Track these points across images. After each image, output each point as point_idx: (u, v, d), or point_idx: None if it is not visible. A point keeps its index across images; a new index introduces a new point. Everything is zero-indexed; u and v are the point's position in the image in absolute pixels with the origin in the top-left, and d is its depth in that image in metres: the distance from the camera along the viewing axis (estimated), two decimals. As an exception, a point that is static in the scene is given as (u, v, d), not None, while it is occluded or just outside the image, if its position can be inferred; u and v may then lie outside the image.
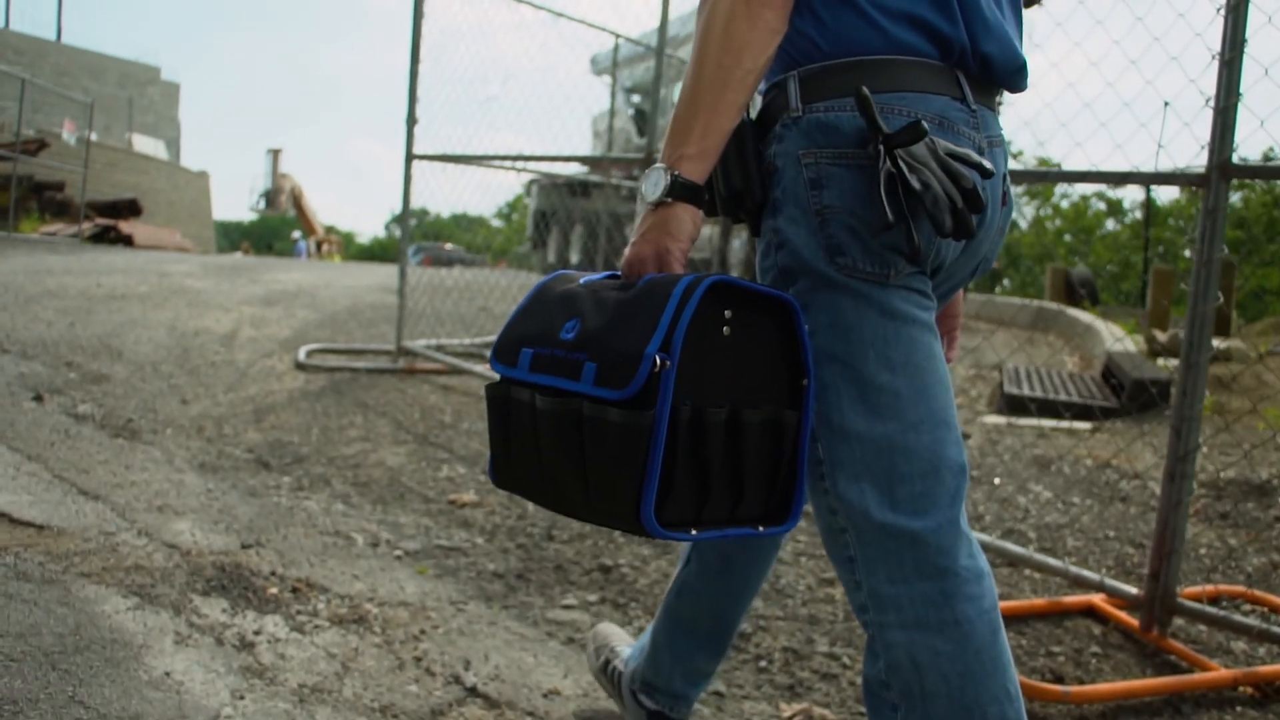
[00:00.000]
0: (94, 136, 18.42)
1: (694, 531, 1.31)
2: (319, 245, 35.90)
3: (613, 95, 16.14)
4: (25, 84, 15.11)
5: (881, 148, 1.32)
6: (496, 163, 6.05)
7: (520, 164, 6.23)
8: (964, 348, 9.49)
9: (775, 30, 1.38)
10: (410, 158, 6.10)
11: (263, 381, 5.57)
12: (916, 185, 1.30)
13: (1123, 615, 3.03)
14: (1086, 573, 3.14)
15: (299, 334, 6.84)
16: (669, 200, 1.36)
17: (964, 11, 1.42)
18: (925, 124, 1.33)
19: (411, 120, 6.08)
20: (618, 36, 9.39)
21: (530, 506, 3.80)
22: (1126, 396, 6.67)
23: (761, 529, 1.38)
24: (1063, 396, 6.82)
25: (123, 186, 23.27)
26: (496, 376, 1.49)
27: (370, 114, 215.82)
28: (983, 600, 1.39)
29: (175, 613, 2.53)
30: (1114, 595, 3.03)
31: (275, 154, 34.90)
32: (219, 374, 5.67)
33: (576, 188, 17.34)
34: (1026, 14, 1.62)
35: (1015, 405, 6.66)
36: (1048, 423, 6.33)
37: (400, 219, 6.39)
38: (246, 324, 7.02)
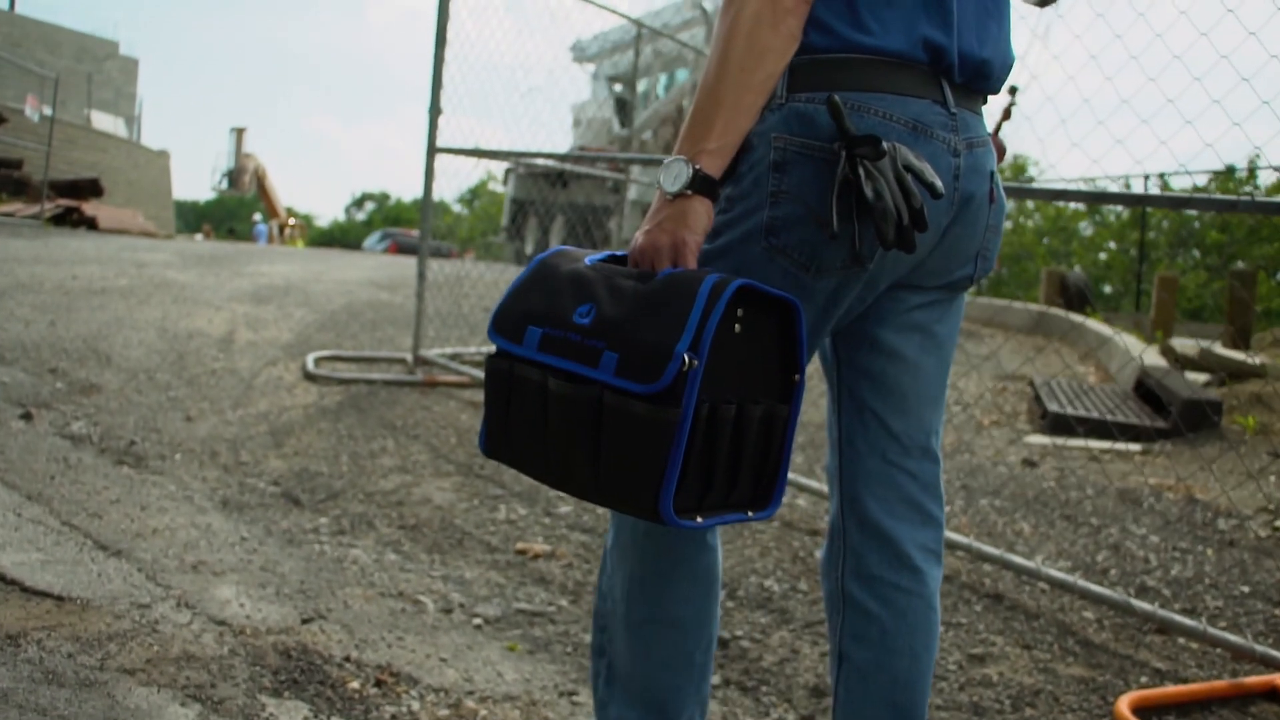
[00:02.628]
0: (49, 112, 17.59)
1: (699, 519, 1.36)
2: (282, 229, 35.02)
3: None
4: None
5: (844, 151, 1.37)
6: (526, 158, 5.53)
7: (544, 159, 5.71)
8: (977, 355, 9.14)
9: (795, 37, 1.42)
10: (433, 150, 5.55)
11: (272, 395, 5.05)
12: (869, 195, 1.34)
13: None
14: (1276, 653, 2.74)
15: (300, 337, 6.30)
16: (688, 192, 1.38)
17: (952, 18, 1.47)
18: (898, 127, 1.43)
19: (435, 110, 5.52)
20: (640, 25, 8.89)
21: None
22: (1176, 417, 6.29)
23: (750, 514, 1.44)
24: (1108, 416, 6.44)
25: (81, 165, 22.38)
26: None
27: (327, 92, 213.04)
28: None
29: (248, 727, 2.04)
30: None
31: (239, 133, 33.99)
32: (222, 385, 5.13)
33: (556, 178, 16.81)
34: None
35: (1059, 425, 6.26)
36: (1095, 444, 5.94)
37: (421, 218, 5.86)
38: (242, 325, 6.47)
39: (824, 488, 3.95)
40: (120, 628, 2.38)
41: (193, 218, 58.41)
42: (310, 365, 5.50)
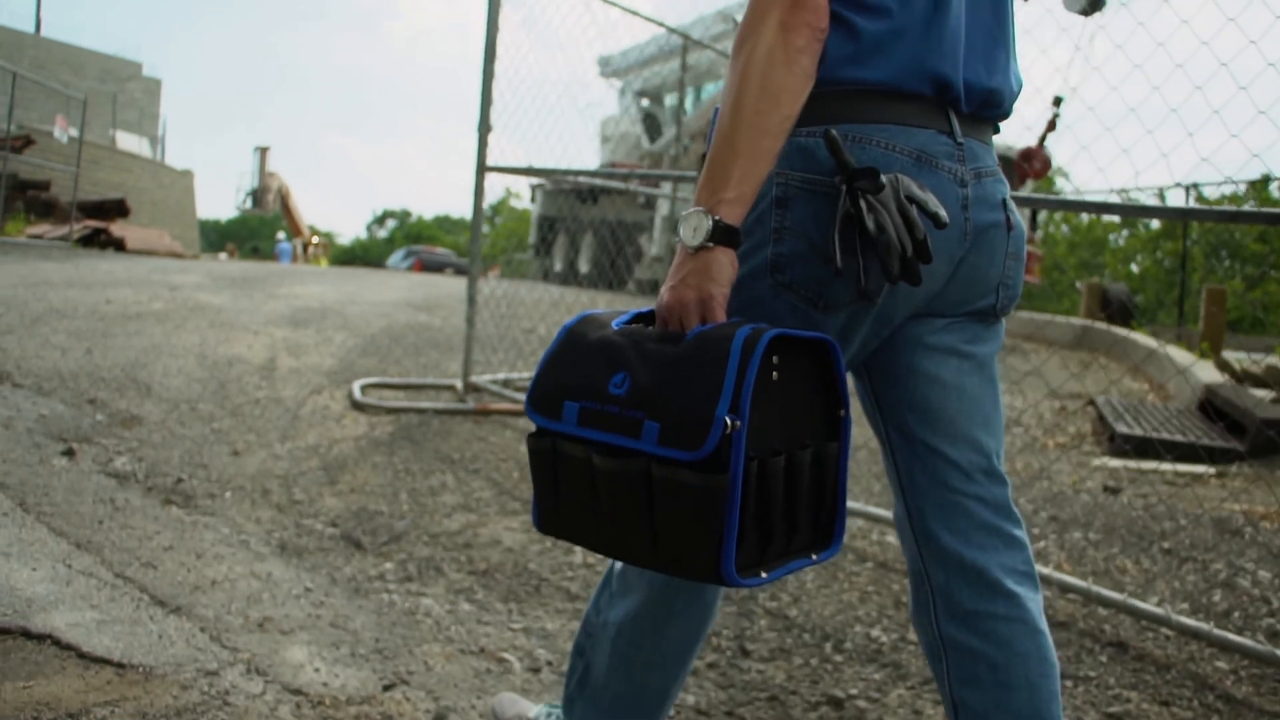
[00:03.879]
0: (74, 134, 17.51)
1: (763, 574, 1.33)
2: (305, 247, 34.92)
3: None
4: (16, 78, 14.22)
5: (844, 186, 1.35)
6: (577, 177, 5.30)
7: (596, 178, 5.48)
8: (1020, 371, 8.87)
9: (810, 77, 1.38)
10: (483, 168, 5.31)
11: (320, 426, 4.82)
12: (872, 228, 1.32)
13: None
14: None
15: (344, 364, 6.08)
16: (710, 245, 1.35)
17: (956, 47, 1.44)
18: (901, 158, 1.41)
19: (485, 127, 5.27)
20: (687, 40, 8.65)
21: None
22: (1251, 438, 6.02)
23: (815, 556, 1.41)
24: (1177, 435, 6.16)
25: (106, 185, 22.34)
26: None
27: (343, 108, 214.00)
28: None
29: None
30: None
31: (263, 152, 33.86)
32: (267, 415, 4.92)
33: (585, 194, 16.62)
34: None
35: (1128, 446, 5.99)
36: (1166, 466, 5.66)
37: (471, 239, 5.62)
38: (282, 350, 6.26)
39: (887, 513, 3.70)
40: (189, 700, 2.15)
41: (215, 237, 58.59)
42: (357, 393, 5.28)
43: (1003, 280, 1.56)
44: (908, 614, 3.14)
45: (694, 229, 1.35)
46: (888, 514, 3.75)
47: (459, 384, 5.66)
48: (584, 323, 1.46)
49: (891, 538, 3.89)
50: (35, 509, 3.29)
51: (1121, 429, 6.26)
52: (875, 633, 2.99)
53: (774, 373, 1.33)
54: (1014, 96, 1.56)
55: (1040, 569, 3.33)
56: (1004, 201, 1.54)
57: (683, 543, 1.29)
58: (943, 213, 1.38)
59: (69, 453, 3.98)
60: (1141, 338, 10.67)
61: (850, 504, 3.88)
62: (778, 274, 1.43)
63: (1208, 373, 7.86)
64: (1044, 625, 1.55)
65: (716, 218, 1.34)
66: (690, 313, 1.36)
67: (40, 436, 4.17)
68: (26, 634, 2.35)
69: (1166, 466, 5.62)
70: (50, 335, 5.99)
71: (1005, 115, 1.57)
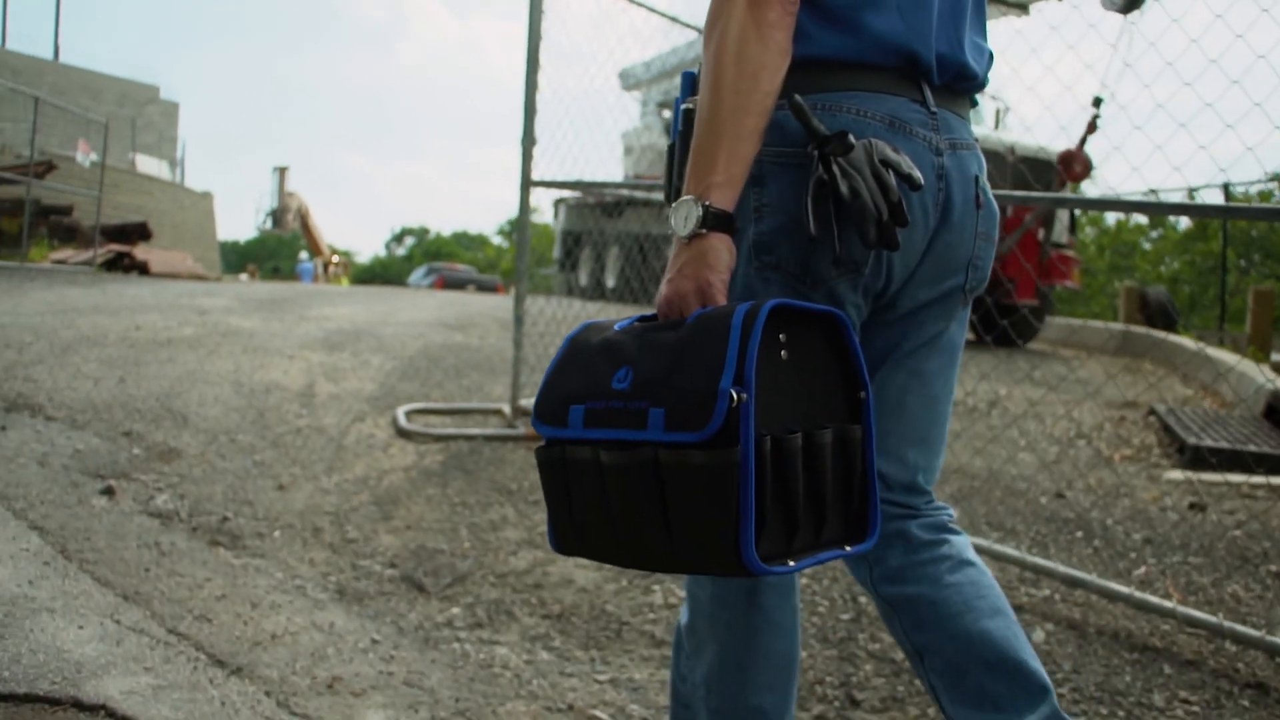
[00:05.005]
0: (95, 158, 17.41)
1: (790, 563, 1.26)
2: (326, 266, 34.80)
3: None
4: (39, 103, 14.09)
5: (816, 153, 1.32)
6: (618, 191, 5.07)
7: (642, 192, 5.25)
8: (1060, 376, 8.61)
9: (785, 51, 1.35)
10: (528, 183, 5.07)
11: (367, 456, 4.60)
12: (845, 193, 1.29)
13: None
14: None
15: (384, 388, 5.85)
16: (703, 232, 1.31)
17: (928, 20, 1.41)
18: (873, 123, 1.37)
19: (529, 139, 5.03)
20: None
21: (804, 654, 2.83)
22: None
23: (848, 549, 1.34)
24: (1250, 446, 5.89)
25: (127, 208, 22.26)
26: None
27: (357, 127, 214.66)
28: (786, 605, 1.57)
29: None
30: None
31: (281, 172, 33.79)
32: (310, 446, 4.70)
33: (611, 207, 16.42)
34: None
35: (1199, 458, 5.71)
36: (1239, 478, 5.39)
37: (516, 257, 5.38)
38: (320, 376, 6.04)
39: (1010, 550, 3.45)
40: (262, 783, 1.92)
41: (234, 258, 58.60)
42: (402, 420, 5.05)
43: (972, 260, 1.52)
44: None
45: (685, 218, 1.31)
46: (995, 546, 3.50)
47: (507, 408, 5.43)
48: (587, 330, 1.42)
49: (999, 573, 3.64)
50: (78, 556, 3.08)
51: (1192, 440, 5.99)
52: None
53: (782, 351, 1.28)
54: (986, 69, 1.54)
55: (1159, 601, 3.08)
56: (976, 179, 1.50)
57: (700, 530, 1.21)
58: (917, 174, 1.35)
59: (108, 491, 3.76)
60: (1187, 342, 10.39)
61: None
62: (763, 254, 1.39)
63: (1261, 376, 7.57)
64: (972, 557, 1.57)
65: (707, 203, 1.31)
66: (690, 303, 1.32)
67: (77, 474, 3.96)
68: (79, 705, 2.13)
69: (1239, 478, 5.35)
70: (81, 364, 5.79)
71: (979, 88, 1.53)
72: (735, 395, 1.18)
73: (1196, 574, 3.73)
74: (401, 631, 2.84)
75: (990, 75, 1.56)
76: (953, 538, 1.58)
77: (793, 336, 1.30)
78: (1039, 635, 3.03)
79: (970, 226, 1.50)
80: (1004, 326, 8.53)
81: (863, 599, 3.24)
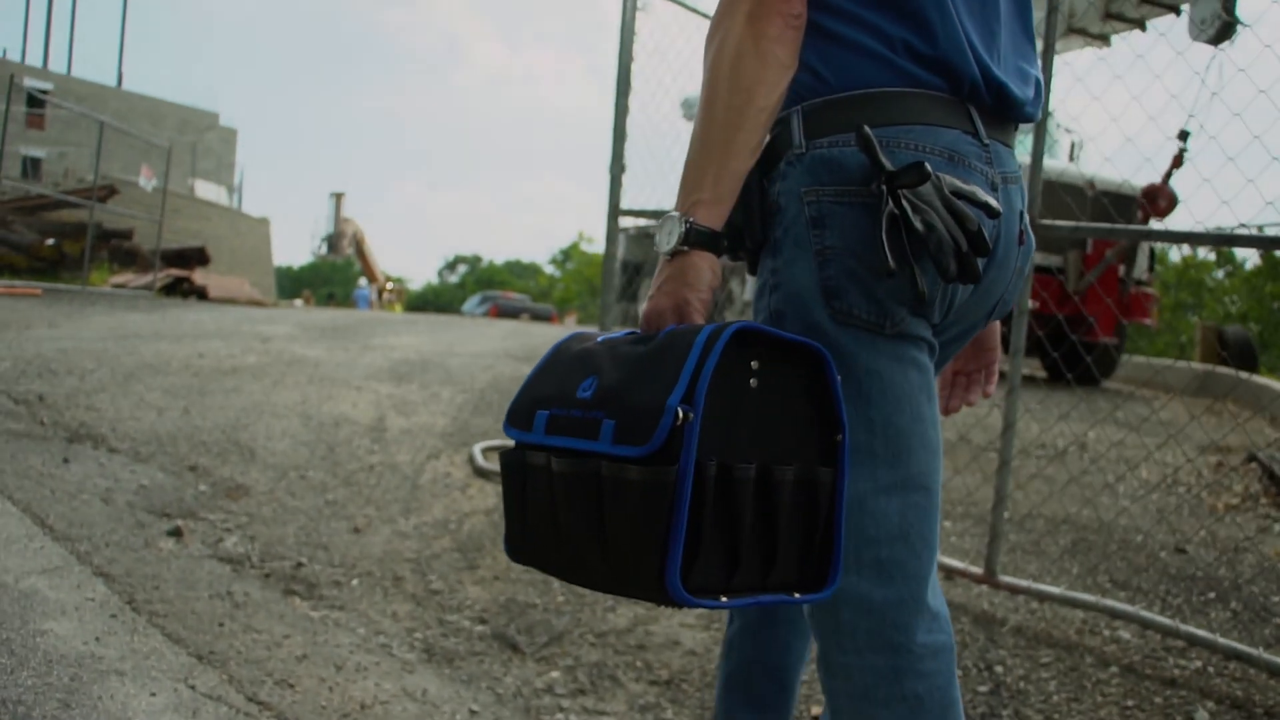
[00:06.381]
0: (157, 182, 17.49)
1: (724, 599, 1.18)
2: (380, 293, 34.86)
3: None
4: (103, 127, 14.09)
5: (884, 187, 1.25)
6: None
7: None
8: (1146, 418, 8.24)
9: (786, 66, 1.31)
10: (616, 211, 4.81)
11: (445, 497, 4.34)
12: (920, 227, 1.23)
13: None
14: None
15: (457, 423, 5.61)
16: (685, 249, 1.28)
17: (971, 41, 1.34)
18: (934, 158, 1.30)
19: (618, 166, 4.77)
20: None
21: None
22: None
23: (797, 595, 1.25)
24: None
25: (185, 234, 22.34)
26: None
27: (411, 156, 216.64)
28: (936, 678, 1.31)
29: None
30: None
31: (338, 198, 33.95)
32: (384, 484, 4.46)
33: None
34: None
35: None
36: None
37: (603, 289, 5.12)
38: (389, 409, 5.82)
39: (1161, 619, 3.13)
40: None
41: (288, 283, 58.98)
42: (479, 459, 4.80)
43: (1003, 297, 1.47)
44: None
45: (668, 234, 1.28)
46: (1143, 613, 3.19)
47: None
48: (572, 339, 1.40)
49: (1125, 633, 3.32)
50: (146, 608, 2.84)
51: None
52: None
53: (752, 379, 1.22)
54: (1028, 95, 1.44)
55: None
56: (1021, 214, 1.45)
57: (629, 551, 1.15)
58: (994, 201, 1.29)
59: (176, 533, 3.53)
60: (1275, 383, 9.97)
61: (1059, 590, 3.32)
62: (834, 301, 1.31)
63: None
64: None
65: (691, 220, 1.27)
66: (666, 321, 1.29)
67: (142, 512, 3.74)
68: (153, 793, 1.88)
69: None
70: (144, 393, 5.60)
71: (1021, 115, 1.44)
72: (681, 413, 1.13)
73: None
74: (500, 700, 2.57)
75: (1041, 106, 1.48)
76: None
77: (768, 366, 1.23)
78: (1201, 716, 2.71)
79: (1012, 263, 1.44)
80: (1088, 362, 8.20)
81: (999, 668, 2.94)
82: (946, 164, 1.33)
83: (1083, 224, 3.34)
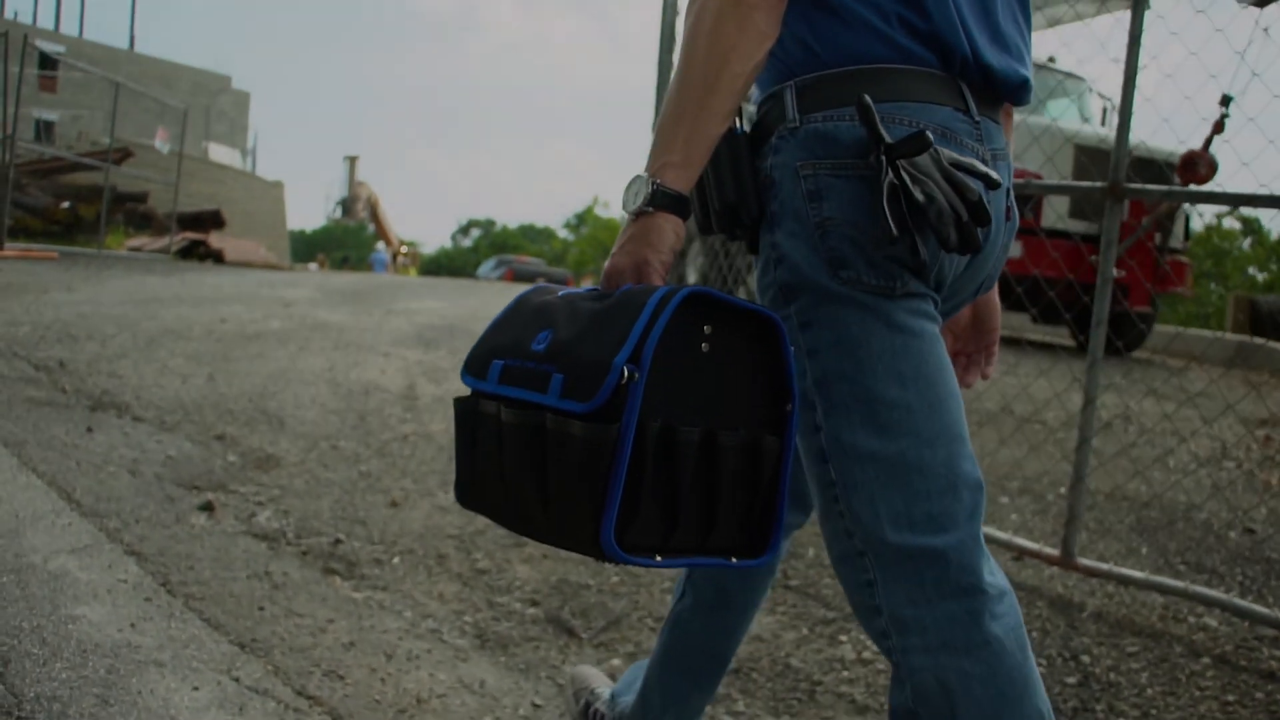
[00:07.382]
0: (170, 146, 17.29)
1: (659, 558, 1.20)
2: (394, 256, 34.66)
3: None
4: (119, 89, 13.88)
5: (884, 158, 1.25)
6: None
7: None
8: (1183, 389, 8.03)
9: (765, 34, 1.29)
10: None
11: (483, 468, 4.17)
12: (920, 197, 1.23)
13: None
14: None
15: (489, 390, 5.43)
16: (650, 210, 1.27)
17: (963, 19, 1.33)
18: (929, 134, 1.25)
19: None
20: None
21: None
22: None
23: (735, 560, 1.28)
24: None
25: (200, 197, 22.13)
26: None
27: (423, 120, 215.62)
28: (1008, 618, 1.29)
29: None
30: None
31: (352, 161, 33.71)
32: (419, 455, 4.29)
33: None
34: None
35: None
36: None
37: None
38: (419, 375, 5.65)
39: (1263, 609, 2.95)
40: None
41: (302, 247, 58.72)
42: (516, 428, 4.63)
43: (989, 274, 1.47)
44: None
45: (634, 194, 1.28)
46: (1237, 601, 3.00)
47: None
48: (535, 291, 1.41)
49: (1211, 620, 3.13)
50: (182, 590, 2.68)
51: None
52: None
53: (704, 343, 1.22)
54: (1020, 77, 1.41)
55: None
56: (1008, 190, 1.45)
57: (568, 505, 1.17)
58: (993, 173, 1.30)
59: (208, 507, 3.37)
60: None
61: (1143, 575, 3.13)
62: (843, 270, 1.29)
63: None
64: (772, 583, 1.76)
65: (658, 182, 1.27)
66: (625, 280, 1.29)
67: (171, 485, 3.58)
68: (202, 802, 1.71)
69: None
70: (168, 359, 5.44)
71: (1011, 96, 1.42)
72: (626, 372, 1.14)
73: None
74: (559, 690, 2.40)
75: (1031, 89, 1.44)
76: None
77: (721, 332, 1.23)
78: None
79: (1000, 239, 1.44)
80: (1141, 330, 8.00)
81: (1085, 658, 2.76)
82: (940, 140, 1.33)
83: (1175, 188, 3.14)
